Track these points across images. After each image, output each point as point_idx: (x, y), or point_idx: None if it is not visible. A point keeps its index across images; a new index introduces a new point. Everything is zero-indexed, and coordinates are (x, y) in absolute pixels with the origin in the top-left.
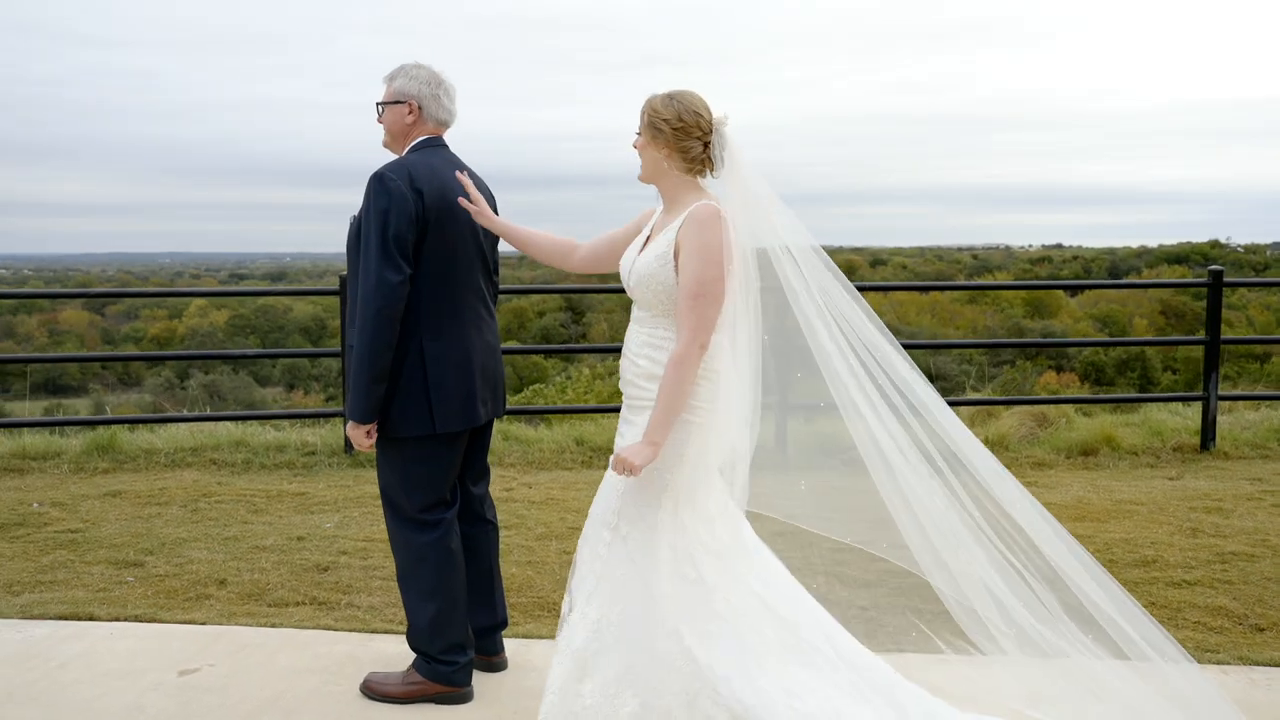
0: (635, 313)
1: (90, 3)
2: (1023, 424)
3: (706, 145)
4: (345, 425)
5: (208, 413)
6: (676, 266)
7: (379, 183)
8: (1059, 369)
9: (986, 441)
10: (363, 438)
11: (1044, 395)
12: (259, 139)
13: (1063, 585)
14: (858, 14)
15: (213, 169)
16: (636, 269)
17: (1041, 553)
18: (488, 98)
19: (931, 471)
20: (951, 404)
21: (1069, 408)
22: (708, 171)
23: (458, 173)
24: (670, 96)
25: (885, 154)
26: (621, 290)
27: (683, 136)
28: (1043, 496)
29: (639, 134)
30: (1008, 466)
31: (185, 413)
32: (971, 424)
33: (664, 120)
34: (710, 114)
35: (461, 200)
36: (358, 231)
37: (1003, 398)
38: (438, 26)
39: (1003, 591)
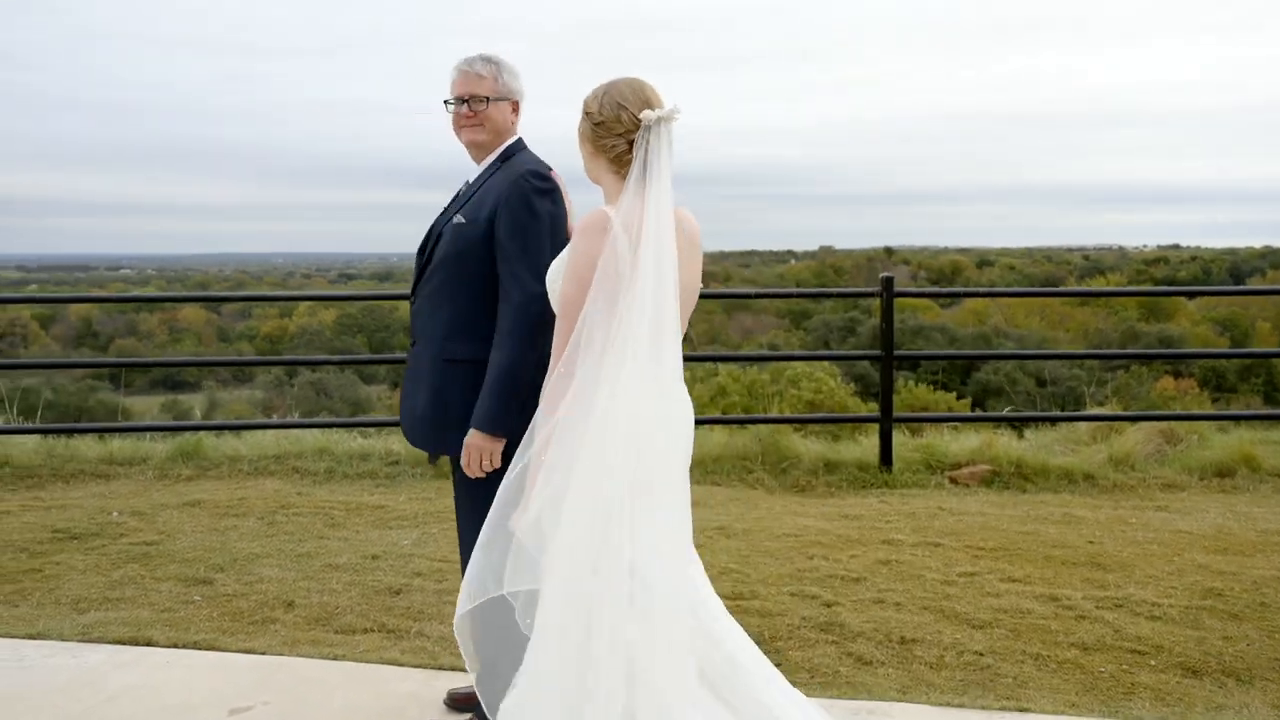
0: None
1: (199, 7)
2: (1149, 439)
3: (631, 144)
4: (466, 436)
5: (295, 419)
6: None
7: (543, 182)
8: (1177, 375)
9: (1110, 459)
10: (495, 452)
11: (1162, 403)
12: (363, 139)
13: None
14: (958, 7)
15: (324, 170)
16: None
17: None
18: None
19: None
20: (1071, 419)
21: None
22: (639, 174)
23: None
24: (606, 86)
25: (987, 151)
26: (717, 295)
27: (603, 133)
28: (1176, 524)
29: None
30: (1134, 488)
31: (274, 418)
32: (1093, 439)
33: (586, 114)
34: (637, 109)
35: None
36: (487, 235)
37: (1128, 413)
38: (523, 31)
39: None
